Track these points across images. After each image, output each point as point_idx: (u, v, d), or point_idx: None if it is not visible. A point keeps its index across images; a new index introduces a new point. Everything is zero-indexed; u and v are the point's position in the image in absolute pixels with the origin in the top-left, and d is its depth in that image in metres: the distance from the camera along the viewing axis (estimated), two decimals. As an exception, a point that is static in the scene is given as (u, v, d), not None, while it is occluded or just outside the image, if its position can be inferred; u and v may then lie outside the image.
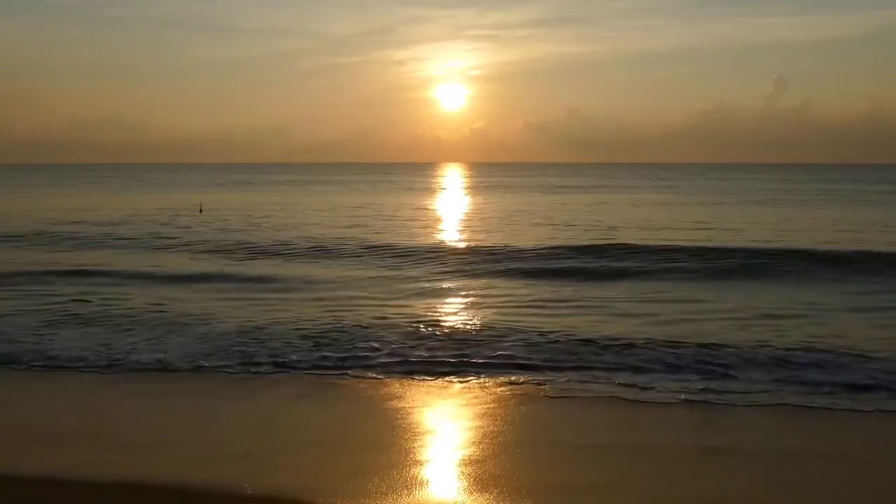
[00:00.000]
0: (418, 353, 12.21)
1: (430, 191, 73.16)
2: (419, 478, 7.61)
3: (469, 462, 8.01)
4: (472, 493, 7.30)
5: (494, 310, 16.05)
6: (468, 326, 14.36)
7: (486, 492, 7.30)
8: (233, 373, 11.35)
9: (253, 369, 11.45)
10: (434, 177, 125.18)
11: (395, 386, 10.81)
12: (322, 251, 25.06)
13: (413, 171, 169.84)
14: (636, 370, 11.33)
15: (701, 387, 10.51)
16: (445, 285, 19.56)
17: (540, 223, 35.78)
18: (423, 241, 28.14)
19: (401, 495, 7.23)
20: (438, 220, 39.88)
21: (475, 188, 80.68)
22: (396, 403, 10.13)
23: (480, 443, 8.63)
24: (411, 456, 8.18)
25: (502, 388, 10.61)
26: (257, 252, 25.19)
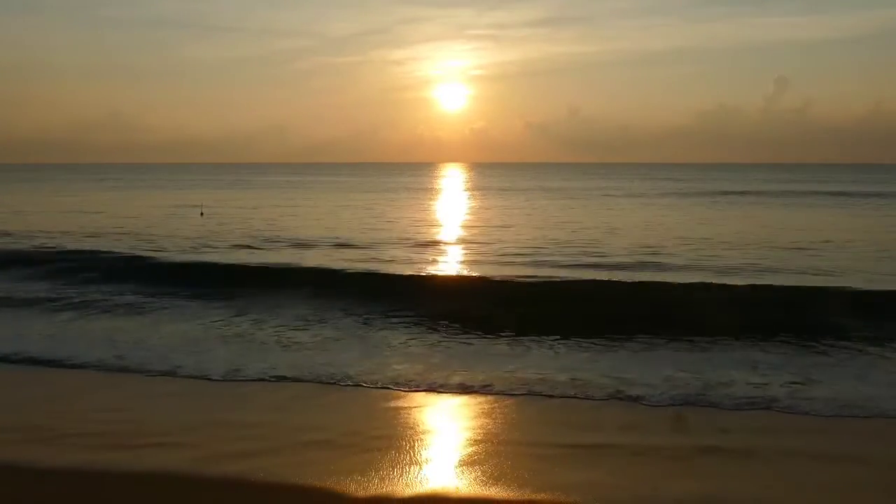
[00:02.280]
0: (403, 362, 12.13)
1: (420, 193, 72.31)
2: (421, 475, 7.69)
3: (470, 461, 8.05)
4: (472, 490, 7.35)
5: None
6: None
7: (486, 489, 7.35)
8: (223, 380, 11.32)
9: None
10: (427, 177, 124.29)
11: (394, 391, 10.82)
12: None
13: (411, 171, 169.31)
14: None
15: (699, 390, 10.53)
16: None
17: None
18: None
19: (404, 488, 7.33)
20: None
21: (463, 191, 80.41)
22: (396, 405, 10.17)
23: (482, 442, 8.67)
24: (413, 455, 8.23)
25: (502, 391, 10.62)
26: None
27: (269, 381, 11.20)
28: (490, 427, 9.25)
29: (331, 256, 22.57)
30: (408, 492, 7.34)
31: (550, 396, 10.37)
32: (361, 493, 7.24)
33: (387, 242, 26.40)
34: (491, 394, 10.49)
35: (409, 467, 7.89)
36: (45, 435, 8.74)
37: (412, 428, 9.25)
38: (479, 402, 10.19)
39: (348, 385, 10.91)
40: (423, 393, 10.67)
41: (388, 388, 10.81)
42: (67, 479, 7.49)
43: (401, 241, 27.18)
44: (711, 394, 10.29)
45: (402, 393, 10.64)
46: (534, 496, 7.23)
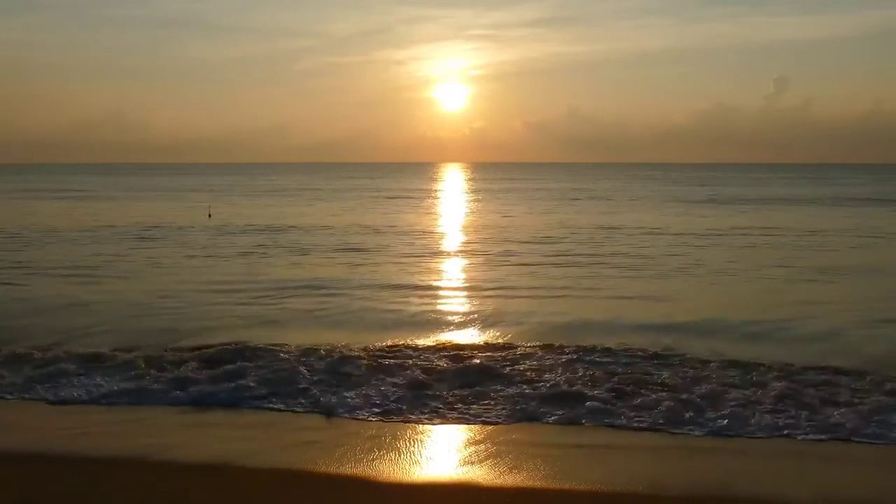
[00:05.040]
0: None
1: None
2: (432, 468, 7.82)
3: (468, 461, 8.13)
4: (486, 481, 7.41)
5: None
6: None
7: (482, 482, 7.44)
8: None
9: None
10: (425, 181, 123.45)
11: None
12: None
13: (413, 172, 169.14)
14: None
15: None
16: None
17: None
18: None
19: (424, 476, 7.51)
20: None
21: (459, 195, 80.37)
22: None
23: (482, 442, 8.76)
24: (417, 452, 8.33)
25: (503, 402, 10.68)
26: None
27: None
28: (489, 425, 9.36)
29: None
30: (428, 480, 7.58)
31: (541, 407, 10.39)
32: (386, 480, 7.49)
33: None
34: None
35: (416, 461, 8.03)
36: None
37: (413, 427, 9.37)
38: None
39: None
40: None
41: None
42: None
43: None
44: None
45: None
46: (544, 486, 7.37)
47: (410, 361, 11.49)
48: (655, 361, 11.53)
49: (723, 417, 9.24)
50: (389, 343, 12.59)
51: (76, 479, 7.49)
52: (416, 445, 8.58)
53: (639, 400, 9.82)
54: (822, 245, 28.15)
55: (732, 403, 9.60)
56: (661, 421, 9.16)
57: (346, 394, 10.14)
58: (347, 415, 9.52)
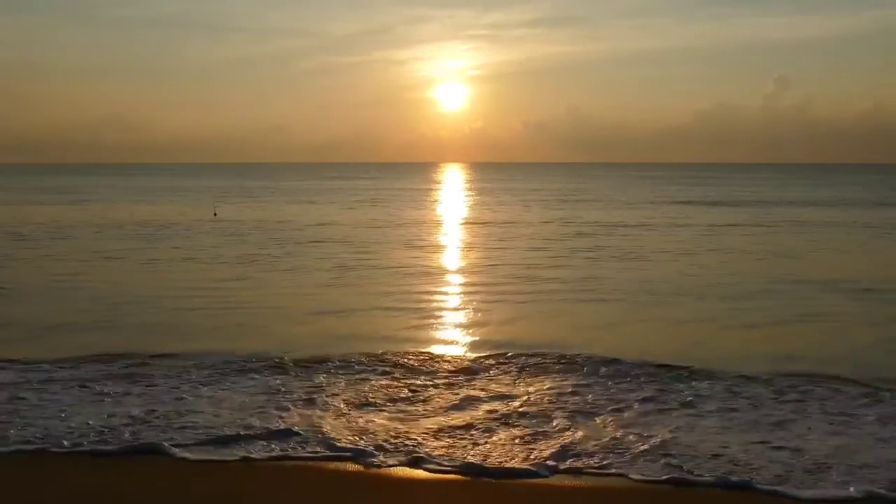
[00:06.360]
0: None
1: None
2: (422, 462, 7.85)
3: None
4: (470, 480, 7.49)
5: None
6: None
7: (483, 479, 7.49)
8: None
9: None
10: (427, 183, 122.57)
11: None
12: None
13: (414, 172, 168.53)
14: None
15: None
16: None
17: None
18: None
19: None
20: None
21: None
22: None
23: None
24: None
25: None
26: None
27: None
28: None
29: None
30: (429, 476, 7.69)
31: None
32: (388, 475, 7.61)
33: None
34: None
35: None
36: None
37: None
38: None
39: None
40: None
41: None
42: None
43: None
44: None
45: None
46: (544, 484, 7.41)
47: (400, 371, 11.36)
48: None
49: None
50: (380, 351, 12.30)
51: (76, 479, 7.52)
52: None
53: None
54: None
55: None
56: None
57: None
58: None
